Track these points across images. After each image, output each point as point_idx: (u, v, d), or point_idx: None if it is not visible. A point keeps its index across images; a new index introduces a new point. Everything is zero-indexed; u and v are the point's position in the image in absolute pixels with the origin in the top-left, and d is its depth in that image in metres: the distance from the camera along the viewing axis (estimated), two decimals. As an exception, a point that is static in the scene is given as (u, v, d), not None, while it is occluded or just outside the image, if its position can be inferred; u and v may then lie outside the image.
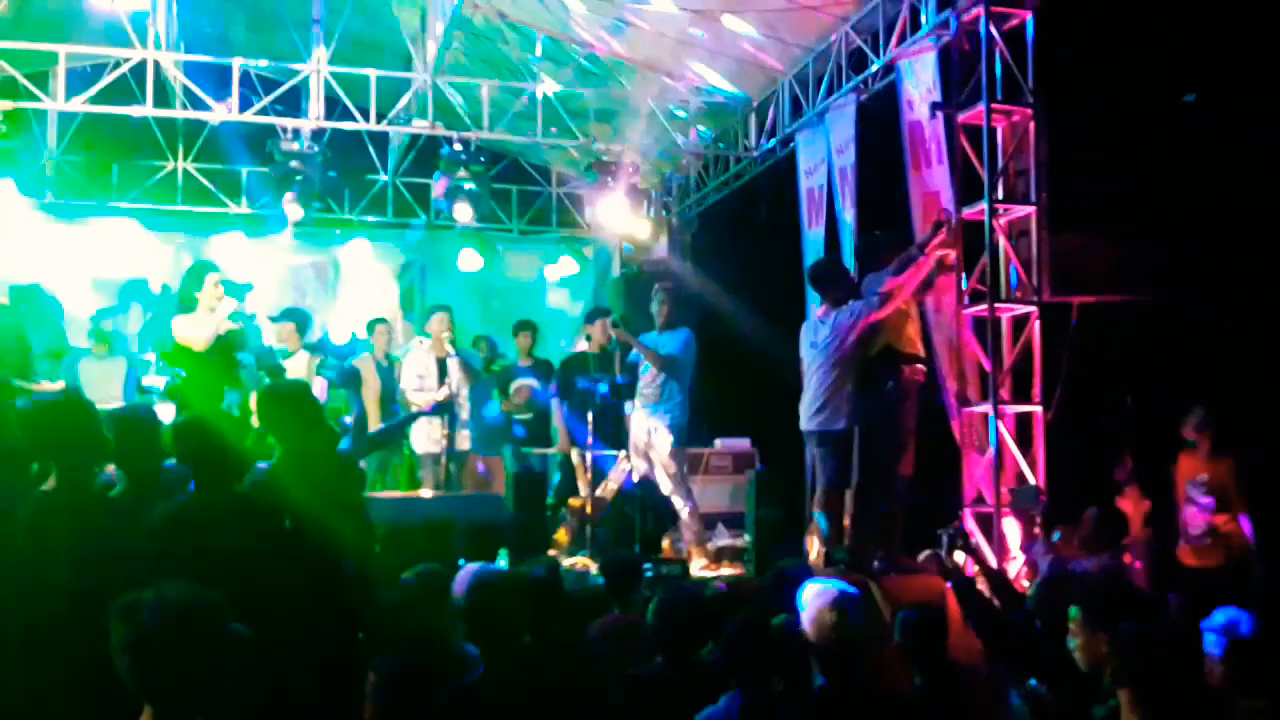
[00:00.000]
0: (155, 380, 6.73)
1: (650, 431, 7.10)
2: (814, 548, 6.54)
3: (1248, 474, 6.24)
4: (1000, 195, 6.49)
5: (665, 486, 7.14)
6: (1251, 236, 7.33)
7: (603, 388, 7.91)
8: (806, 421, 6.33)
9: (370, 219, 11.39)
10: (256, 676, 2.73)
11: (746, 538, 7.56)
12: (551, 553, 6.93)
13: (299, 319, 8.39)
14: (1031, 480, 6.41)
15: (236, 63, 8.54)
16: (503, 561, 6.07)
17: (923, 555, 6.24)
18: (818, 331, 6.35)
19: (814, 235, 8.57)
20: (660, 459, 7.07)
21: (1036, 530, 6.37)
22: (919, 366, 6.51)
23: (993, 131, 6.49)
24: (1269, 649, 3.36)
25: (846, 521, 6.37)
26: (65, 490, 3.48)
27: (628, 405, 7.60)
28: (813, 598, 3.40)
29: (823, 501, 6.31)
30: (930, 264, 6.35)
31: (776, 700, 3.30)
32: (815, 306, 6.80)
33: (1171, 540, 6.48)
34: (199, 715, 2.35)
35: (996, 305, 6.47)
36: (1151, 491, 6.88)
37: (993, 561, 6.17)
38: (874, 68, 7.57)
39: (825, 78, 8.24)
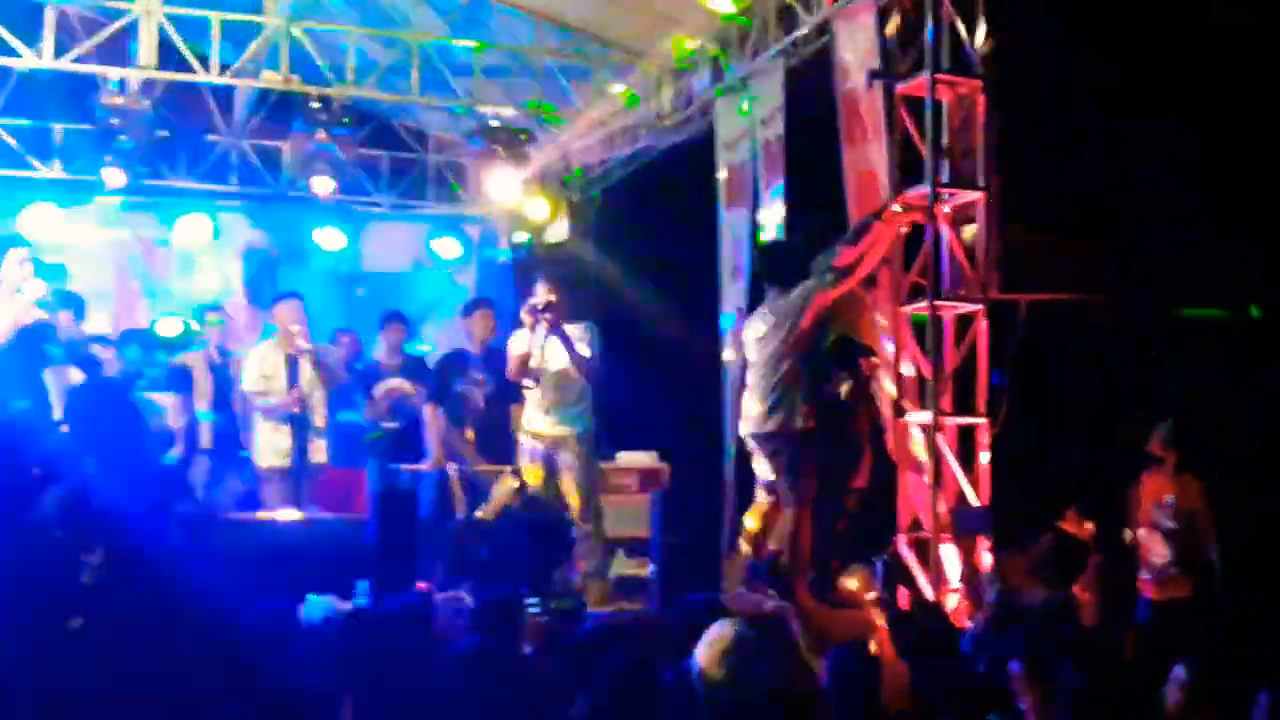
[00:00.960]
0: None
1: (556, 443, 7.10)
2: (737, 568, 6.60)
3: (1220, 497, 6.44)
4: (945, 178, 6.60)
5: (575, 510, 7.15)
6: (1225, 233, 7.63)
7: (487, 389, 7.90)
8: (754, 424, 6.34)
9: (211, 188, 11.15)
10: None
11: (651, 567, 7.61)
12: (422, 586, 6.86)
13: (74, 304, 8.15)
14: (974, 500, 6.54)
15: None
16: (363, 595, 6.01)
17: (851, 582, 6.32)
18: (765, 320, 6.39)
19: (734, 217, 8.65)
20: (572, 475, 7.08)
21: (981, 557, 6.49)
22: (873, 361, 6.62)
23: (937, 105, 6.60)
24: (1227, 684, 3.49)
25: (773, 543, 6.42)
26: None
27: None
28: (704, 644, 3.40)
29: (761, 514, 6.35)
30: (891, 232, 6.45)
31: None
32: (757, 302, 6.80)
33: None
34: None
35: (938, 303, 6.57)
36: (1100, 514, 7.06)
37: (930, 594, 6.29)
38: (805, 28, 7.66)
39: (750, 36, 8.31)
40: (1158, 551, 6.48)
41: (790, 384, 6.22)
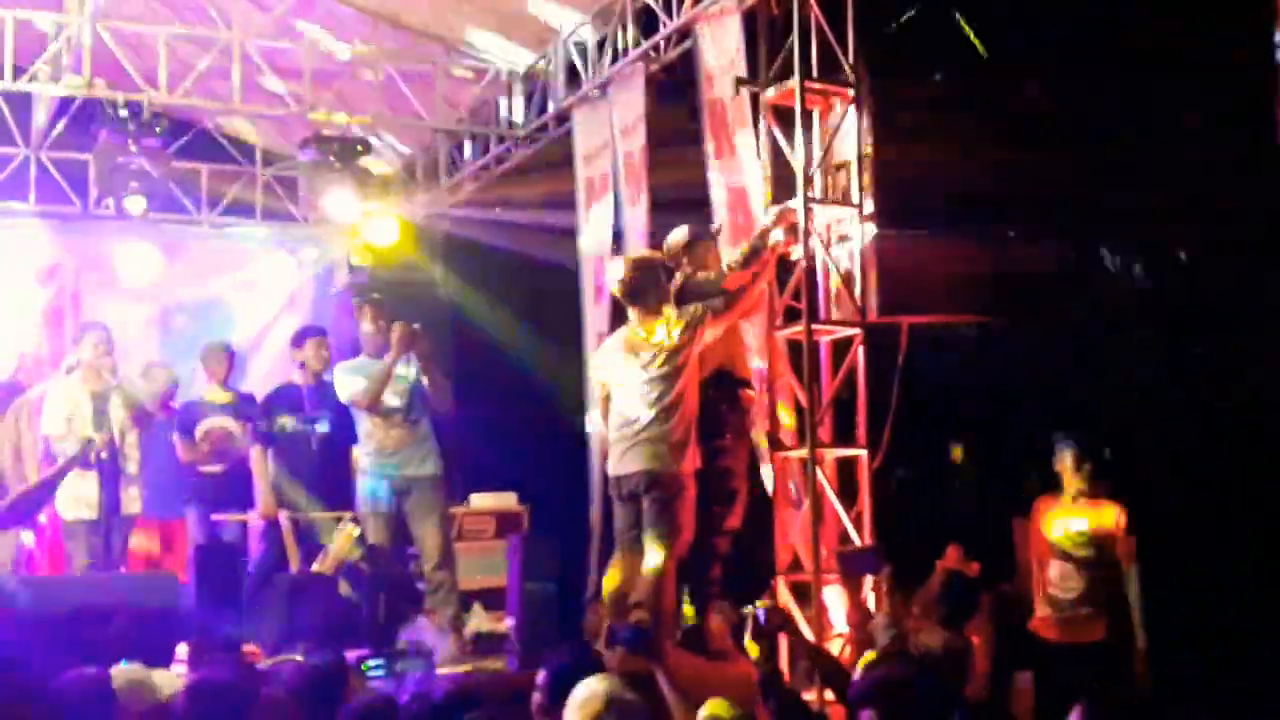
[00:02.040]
0: None
1: (406, 486, 7.12)
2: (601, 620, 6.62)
3: (1135, 520, 6.42)
4: (816, 193, 6.72)
5: (430, 558, 7.15)
6: (1124, 236, 7.92)
7: (321, 429, 7.85)
8: (631, 461, 6.26)
9: (5, 205, 10.88)
10: None
11: (509, 621, 7.62)
12: (250, 649, 6.77)
13: None
14: (856, 539, 6.66)
15: None
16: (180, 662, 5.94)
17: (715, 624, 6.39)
18: (635, 350, 6.35)
19: (594, 231, 8.74)
20: (425, 521, 7.08)
21: (867, 598, 6.60)
22: (749, 393, 6.71)
23: (807, 115, 6.73)
24: None
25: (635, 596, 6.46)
26: None
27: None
28: (572, 706, 3.41)
29: (622, 566, 6.38)
30: (775, 255, 6.55)
31: None
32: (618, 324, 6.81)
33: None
34: None
35: (814, 327, 6.65)
36: (990, 549, 7.23)
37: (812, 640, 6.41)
38: (666, 31, 7.80)
39: (607, 41, 8.45)
40: (1067, 585, 6.51)
41: (680, 419, 6.20)
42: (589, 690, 3.50)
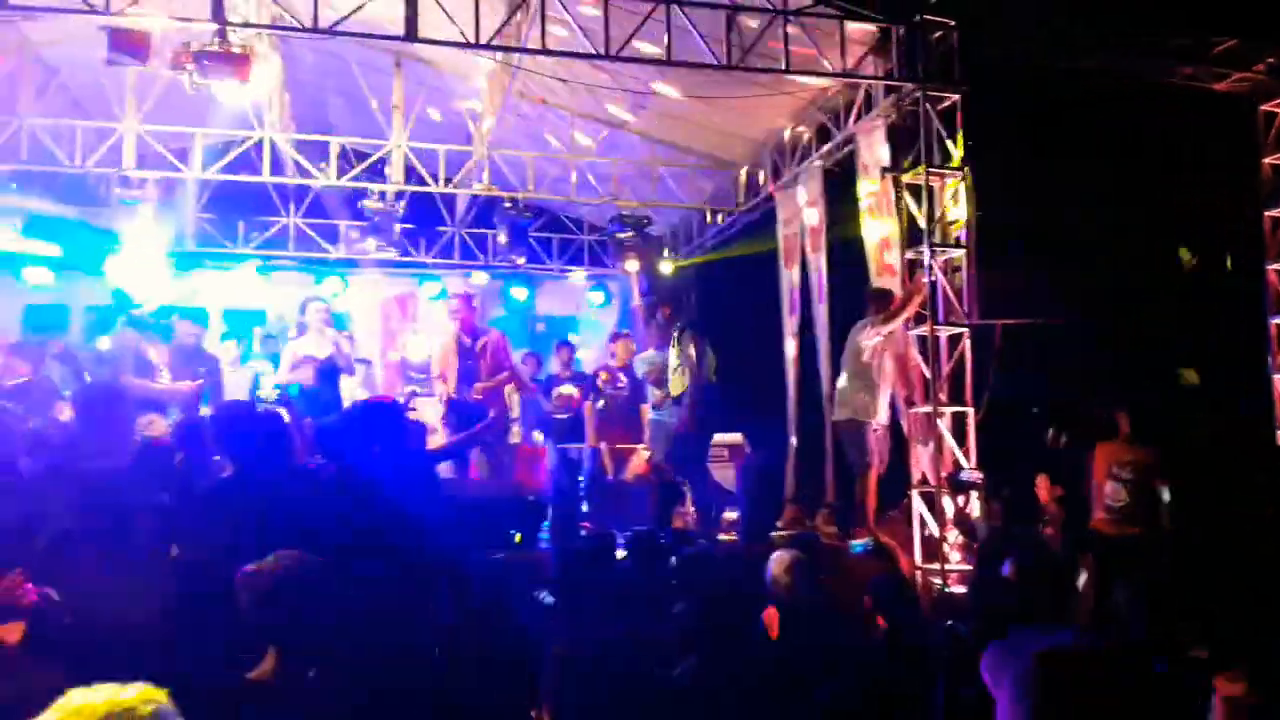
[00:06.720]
0: (271, 391, 6.83)
1: (671, 428, 7.13)
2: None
3: (1168, 459, 5.98)
4: (937, 240, 6.49)
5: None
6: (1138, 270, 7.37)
7: (625, 392, 7.95)
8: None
9: (442, 261, 11.45)
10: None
11: (738, 511, 7.58)
12: (585, 526, 6.91)
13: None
14: (966, 466, 6.38)
15: (335, 140, 8.68)
16: (545, 533, 6.09)
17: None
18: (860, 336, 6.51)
19: (789, 273, 8.58)
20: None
21: (972, 506, 6.31)
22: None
23: (931, 190, 6.49)
24: (1179, 602, 3.27)
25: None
26: (239, 474, 3.64)
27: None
28: (771, 562, 3.38)
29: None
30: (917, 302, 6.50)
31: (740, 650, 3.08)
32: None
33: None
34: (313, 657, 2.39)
35: (936, 326, 6.45)
36: (1064, 479, 6.77)
37: (936, 532, 6.16)
38: (836, 139, 7.61)
39: (799, 147, 8.27)
40: (1117, 496, 5.98)
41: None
42: (779, 555, 3.45)
